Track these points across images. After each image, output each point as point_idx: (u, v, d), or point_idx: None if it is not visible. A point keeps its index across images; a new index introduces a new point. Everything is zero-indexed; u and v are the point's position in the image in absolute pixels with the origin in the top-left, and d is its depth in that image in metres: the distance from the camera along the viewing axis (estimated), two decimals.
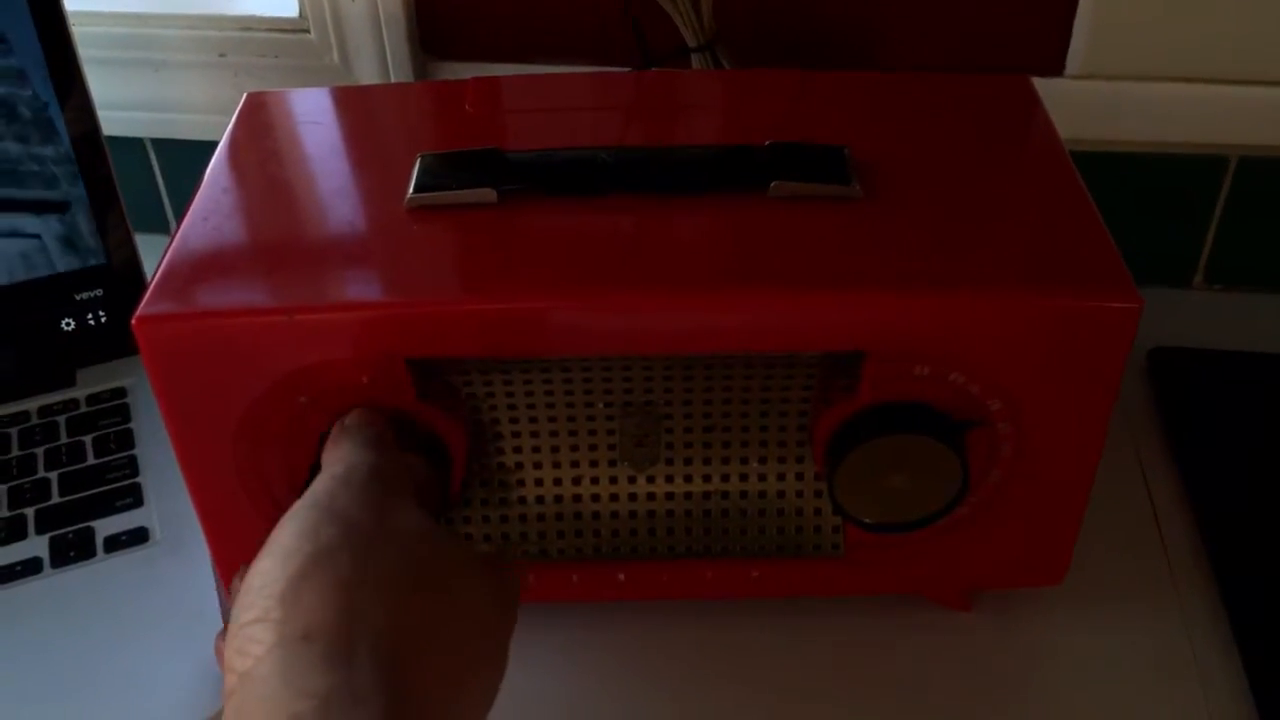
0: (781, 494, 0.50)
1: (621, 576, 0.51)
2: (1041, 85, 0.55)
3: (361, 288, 0.44)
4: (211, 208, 0.48)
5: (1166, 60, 0.65)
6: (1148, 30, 0.64)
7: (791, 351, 0.45)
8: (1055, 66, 0.66)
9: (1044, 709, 0.50)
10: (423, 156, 0.49)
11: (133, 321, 0.42)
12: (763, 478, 0.49)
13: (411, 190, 0.47)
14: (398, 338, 0.43)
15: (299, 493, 0.46)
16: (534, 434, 0.48)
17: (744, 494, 0.50)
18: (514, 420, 0.48)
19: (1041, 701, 0.50)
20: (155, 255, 0.46)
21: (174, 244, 0.46)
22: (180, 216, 0.47)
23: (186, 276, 0.44)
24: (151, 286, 0.44)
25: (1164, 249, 0.72)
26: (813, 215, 0.46)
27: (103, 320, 0.66)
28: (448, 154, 0.49)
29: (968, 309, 0.43)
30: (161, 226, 0.79)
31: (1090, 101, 0.66)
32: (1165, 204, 0.70)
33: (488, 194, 0.46)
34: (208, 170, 0.50)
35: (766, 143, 0.49)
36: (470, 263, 0.45)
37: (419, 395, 0.45)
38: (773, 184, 0.46)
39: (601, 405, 0.47)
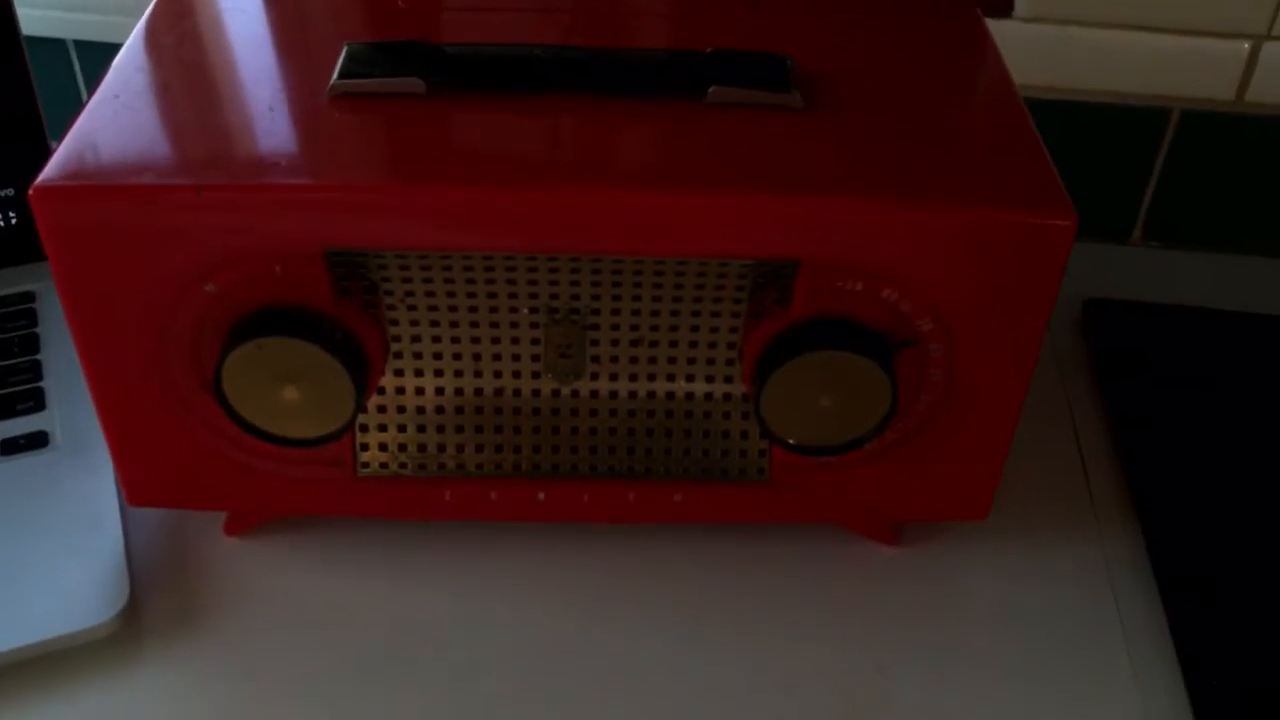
0: (709, 414, 0.49)
1: (541, 495, 0.50)
2: (990, 27, 0.54)
3: (278, 169, 0.42)
4: (122, 86, 0.45)
5: (1115, 6, 0.64)
6: None
7: (723, 258, 0.44)
8: (1004, 7, 0.65)
9: (960, 651, 0.49)
10: (349, 45, 0.47)
11: (30, 193, 0.40)
12: (690, 396, 0.48)
13: (335, 77, 0.45)
14: (315, 223, 0.41)
15: (207, 388, 0.45)
16: (455, 339, 0.46)
17: (670, 412, 0.49)
18: (435, 324, 0.46)
19: (958, 644, 0.50)
20: None
21: (80, 118, 0.43)
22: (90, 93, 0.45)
23: (92, 149, 0.42)
24: (52, 158, 0.41)
25: (1103, 203, 0.72)
26: (751, 121, 0.45)
27: (13, 221, 0.63)
28: (376, 43, 0.47)
29: (901, 217, 0.42)
30: None
31: (1037, 45, 0.65)
32: (1106, 156, 0.70)
33: (416, 84, 0.45)
34: (121, 51, 0.48)
35: (709, 50, 0.47)
36: (395, 149, 0.43)
37: (337, 293, 0.44)
38: (711, 89, 0.45)
39: (527, 311, 0.46)
